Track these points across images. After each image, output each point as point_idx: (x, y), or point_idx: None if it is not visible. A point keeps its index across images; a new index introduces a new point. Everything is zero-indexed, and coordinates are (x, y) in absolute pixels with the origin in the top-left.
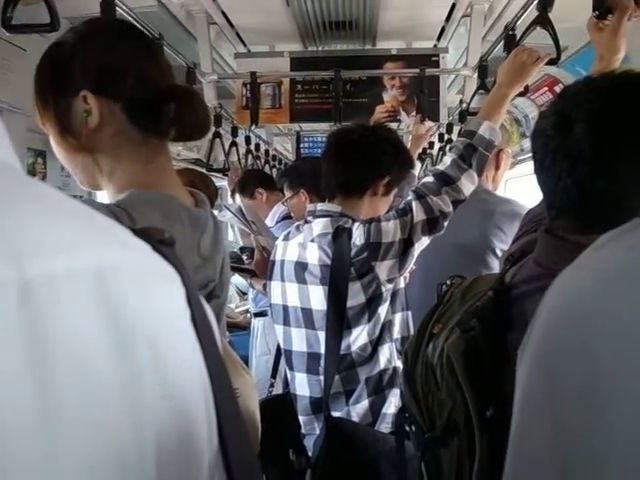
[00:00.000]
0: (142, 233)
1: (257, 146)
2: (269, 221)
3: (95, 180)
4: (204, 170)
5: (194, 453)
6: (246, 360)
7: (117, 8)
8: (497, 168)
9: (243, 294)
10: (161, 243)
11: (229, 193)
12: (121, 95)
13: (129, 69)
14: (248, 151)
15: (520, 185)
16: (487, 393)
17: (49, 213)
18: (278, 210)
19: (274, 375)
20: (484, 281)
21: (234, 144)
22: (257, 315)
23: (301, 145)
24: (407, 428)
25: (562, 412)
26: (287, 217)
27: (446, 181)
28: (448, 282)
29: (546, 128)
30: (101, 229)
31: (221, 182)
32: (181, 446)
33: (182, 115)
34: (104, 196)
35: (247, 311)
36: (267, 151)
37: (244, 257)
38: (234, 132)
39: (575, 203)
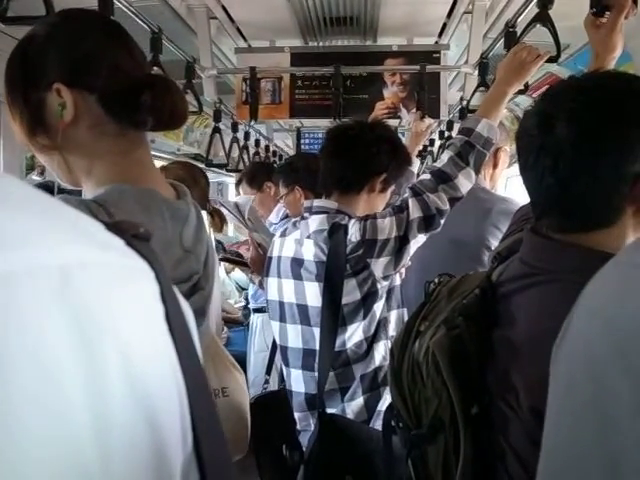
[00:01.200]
0: (115, 228)
1: (257, 142)
2: (274, 217)
3: (73, 177)
4: (203, 165)
5: (165, 456)
6: (243, 356)
7: (116, 1)
8: (495, 167)
9: (243, 290)
10: (135, 238)
11: (233, 185)
12: (96, 86)
13: (103, 59)
14: (245, 147)
15: (521, 183)
16: (472, 390)
17: (11, 208)
18: (282, 207)
19: (268, 372)
20: (471, 279)
21: (235, 140)
22: (256, 311)
23: (302, 141)
24: (394, 425)
25: (612, 412)
26: None
27: (443, 178)
28: (436, 280)
29: (529, 127)
30: (69, 225)
31: (221, 178)
32: (151, 449)
33: (159, 104)
34: (84, 192)
35: (244, 307)
36: (267, 147)
37: (241, 248)
38: (234, 127)
39: (558, 202)
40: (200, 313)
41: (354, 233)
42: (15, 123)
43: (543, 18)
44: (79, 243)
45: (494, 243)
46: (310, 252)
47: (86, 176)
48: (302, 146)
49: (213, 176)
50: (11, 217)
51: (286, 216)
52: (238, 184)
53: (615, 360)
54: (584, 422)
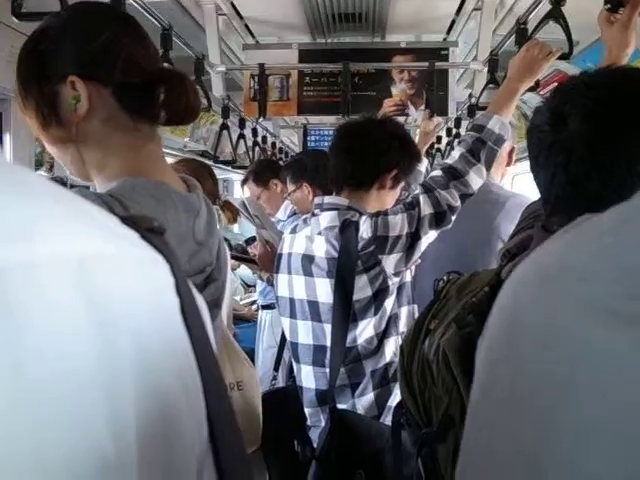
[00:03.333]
0: (130, 221)
1: (264, 138)
2: (281, 214)
3: (85, 171)
4: (211, 162)
5: (180, 448)
6: (252, 353)
7: None
8: (508, 165)
9: (248, 286)
10: (150, 231)
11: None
12: (111, 79)
13: (118, 52)
14: (255, 143)
15: (527, 180)
16: None
17: (30, 200)
18: (289, 204)
19: (277, 368)
20: (480, 277)
21: (242, 136)
22: (265, 308)
23: (308, 138)
24: (404, 423)
25: (491, 404)
26: None
27: (454, 175)
28: (445, 278)
29: (541, 124)
30: (85, 217)
31: (228, 174)
32: (166, 441)
33: (174, 99)
34: (96, 186)
35: (252, 303)
36: (274, 144)
37: (249, 249)
38: (242, 124)
39: (570, 199)
40: (214, 305)
41: (365, 230)
42: (29, 116)
43: (556, 14)
44: (96, 235)
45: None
46: (321, 249)
47: (98, 170)
48: (308, 143)
49: (219, 172)
50: (33, 211)
51: (294, 213)
52: (244, 183)
53: (503, 355)
54: (477, 413)
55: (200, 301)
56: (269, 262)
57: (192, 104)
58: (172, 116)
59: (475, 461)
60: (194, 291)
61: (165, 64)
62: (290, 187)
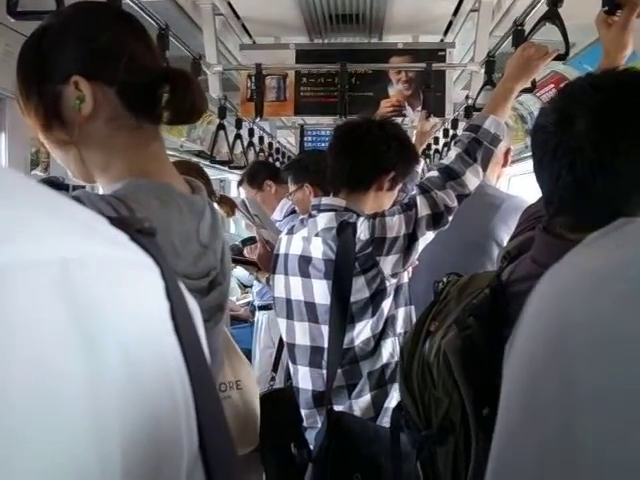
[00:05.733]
0: (120, 223)
1: (261, 139)
2: (277, 214)
3: (88, 172)
4: (208, 162)
5: (169, 455)
6: (248, 353)
7: None
8: (504, 166)
9: (245, 287)
10: (140, 232)
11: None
12: (115, 78)
13: (121, 51)
14: (250, 144)
15: (523, 182)
16: (483, 391)
17: (8, 202)
18: (287, 204)
19: (275, 368)
20: (480, 279)
21: (238, 136)
22: (261, 308)
23: (305, 138)
24: (403, 425)
25: (540, 406)
26: (295, 211)
27: (451, 175)
28: (445, 279)
29: (546, 125)
30: (69, 219)
31: (224, 174)
32: (153, 449)
33: (179, 98)
34: (99, 188)
35: (248, 304)
36: (270, 144)
37: (245, 249)
38: (238, 124)
39: (574, 200)
40: (219, 308)
41: (363, 231)
42: (29, 118)
43: (553, 16)
44: (80, 237)
45: (504, 238)
46: (318, 250)
47: (101, 171)
48: (305, 143)
49: (216, 173)
50: (8, 209)
51: (290, 213)
52: (240, 184)
53: (550, 360)
54: (520, 418)
55: (192, 304)
56: (269, 262)
57: (198, 104)
58: (176, 115)
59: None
60: (186, 294)
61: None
62: (291, 187)
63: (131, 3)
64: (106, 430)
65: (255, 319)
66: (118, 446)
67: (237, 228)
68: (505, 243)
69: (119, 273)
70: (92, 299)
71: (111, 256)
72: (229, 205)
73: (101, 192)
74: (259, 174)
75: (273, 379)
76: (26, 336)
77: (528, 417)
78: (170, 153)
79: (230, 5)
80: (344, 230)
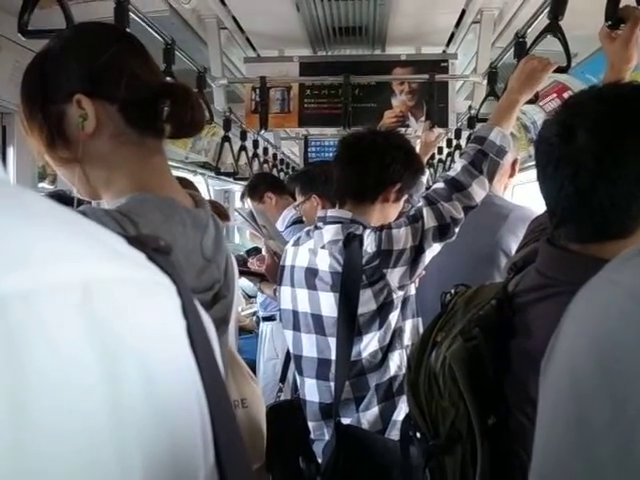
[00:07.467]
0: (136, 242)
1: (265, 150)
2: (279, 225)
3: (93, 189)
4: (213, 174)
5: (187, 470)
6: (253, 364)
7: (130, 13)
8: (511, 177)
9: (249, 297)
10: (156, 251)
11: (239, 196)
12: (116, 96)
13: (122, 69)
14: (255, 155)
15: (527, 191)
16: (489, 401)
17: (32, 224)
18: (289, 214)
19: (282, 380)
20: (487, 290)
21: (243, 148)
22: (265, 319)
23: (308, 149)
24: (412, 436)
25: (592, 428)
26: (297, 221)
27: (457, 187)
28: (452, 291)
29: (549, 136)
30: (90, 240)
31: (228, 185)
32: (172, 465)
33: (180, 111)
34: (103, 203)
35: (253, 314)
36: (275, 155)
37: (250, 259)
38: (243, 136)
39: (577, 211)
40: (223, 321)
41: (370, 244)
42: (33, 137)
43: (554, 29)
44: (100, 258)
45: (513, 248)
46: (325, 262)
47: (105, 187)
48: (309, 154)
49: (220, 184)
50: (35, 236)
51: (293, 223)
52: (242, 197)
53: (598, 381)
54: (569, 439)
55: (207, 321)
56: (276, 273)
57: (197, 116)
58: (178, 129)
59: None
60: (201, 311)
61: (168, 78)
62: (299, 198)
63: (137, 19)
64: (127, 444)
65: (259, 330)
66: (140, 460)
67: (242, 238)
68: (513, 253)
69: (137, 292)
70: (112, 318)
71: (130, 276)
72: (219, 210)
73: (106, 207)
74: (259, 186)
75: (280, 390)
76: (49, 363)
77: (578, 438)
78: (175, 165)
79: (235, 19)
80: (351, 243)
